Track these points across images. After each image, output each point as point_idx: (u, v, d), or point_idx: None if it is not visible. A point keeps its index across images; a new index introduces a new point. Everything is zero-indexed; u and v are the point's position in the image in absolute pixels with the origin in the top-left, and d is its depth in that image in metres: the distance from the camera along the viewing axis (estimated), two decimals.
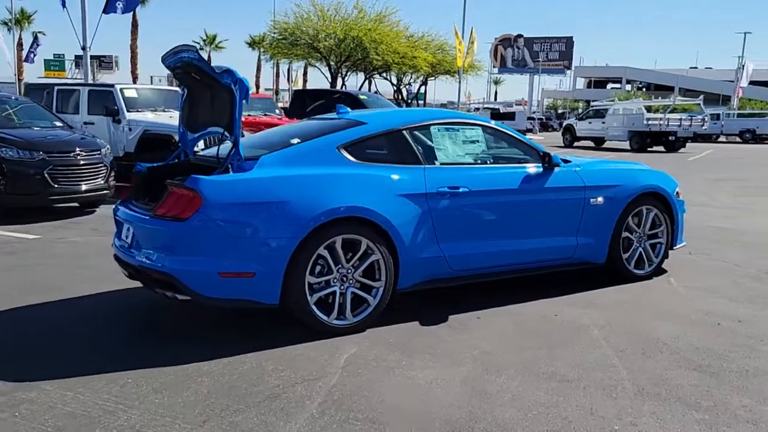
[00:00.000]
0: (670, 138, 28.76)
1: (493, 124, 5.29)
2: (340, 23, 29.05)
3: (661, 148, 28.82)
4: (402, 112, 5.25)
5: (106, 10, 15.21)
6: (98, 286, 5.35)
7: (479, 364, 3.83)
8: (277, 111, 14.68)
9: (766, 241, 7.63)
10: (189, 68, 4.45)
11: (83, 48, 15.44)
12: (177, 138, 10.80)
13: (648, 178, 5.72)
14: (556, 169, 5.17)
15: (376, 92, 30.53)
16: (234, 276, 4.02)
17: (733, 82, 68.08)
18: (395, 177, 4.50)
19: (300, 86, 47.31)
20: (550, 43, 77.72)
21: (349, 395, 3.41)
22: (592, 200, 5.31)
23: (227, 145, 4.42)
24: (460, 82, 29.13)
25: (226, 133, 4.38)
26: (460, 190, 4.68)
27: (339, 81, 31.42)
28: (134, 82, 35.41)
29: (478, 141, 5.15)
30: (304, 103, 15.97)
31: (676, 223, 5.88)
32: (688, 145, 30.20)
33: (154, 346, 4.11)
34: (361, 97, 15.78)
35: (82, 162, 8.89)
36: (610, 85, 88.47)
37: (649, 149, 28.66)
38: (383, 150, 4.66)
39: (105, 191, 9.22)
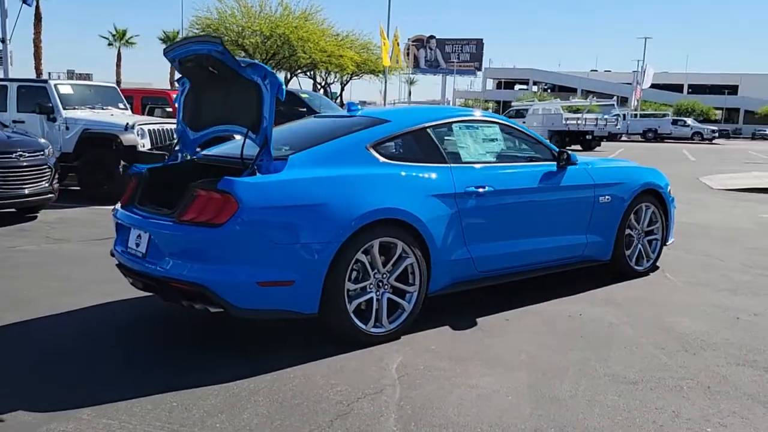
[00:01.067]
0: (587, 137, 29.95)
1: (509, 122, 5.21)
2: (266, 20, 28.39)
3: (578, 147, 29.91)
4: (422, 109, 5.08)
5: (27, 1, 14.12)
6: (78, 299, 4.89)
7: (534, 369, 3.72)
8: None
9: (732, 236, 7.95)
10: (207, 61, 4.09)
11: (2, 41, 14.27)
12: (121, 138, 10.28)
13: (647, 175, 5.81)
14: (569, 167, 5.15)
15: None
16: (273, 285, 3.73)
17: (630, 84, 71.88)
18: (425, 177, 4.34)
19: None
20: (461, 45, 79.22)
21: (421, 409, 3.21)
22: (601, 198, 5.33)
23: (250, 145, 4.10)
24: (386, 82, 29.12)
25: (250, 133, 4.05)
26: (486, 189, 4.56)
27: None
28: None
29: (496, 139, 5.05)
30: None
31: (670, 219, 6.01)
32: (602, 143, 31.55)
33: (180, 361, 3.76)
34: (303, 95, 15.44)
35: (24, 164, 8.18)
36: (517, 86, 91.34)
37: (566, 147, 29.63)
38: (410, 149, 4.48)
39: (50, 195, 8.53)
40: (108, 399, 3.24)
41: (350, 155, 4.18)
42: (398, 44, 28.39)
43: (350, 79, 36.38)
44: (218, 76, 4.19)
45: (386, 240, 4.05)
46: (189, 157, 4.82)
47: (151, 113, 13.09)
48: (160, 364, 3.75)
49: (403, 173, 4.25)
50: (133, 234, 4.14)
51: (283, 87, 3.90)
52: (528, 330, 4.39)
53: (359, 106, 5.05)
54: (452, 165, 4.54)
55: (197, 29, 29.42)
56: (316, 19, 29.87)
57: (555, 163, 5.12)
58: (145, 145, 10.40)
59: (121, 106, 11.60)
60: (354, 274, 3.98)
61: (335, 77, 37.45)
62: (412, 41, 77.00)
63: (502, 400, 3.32)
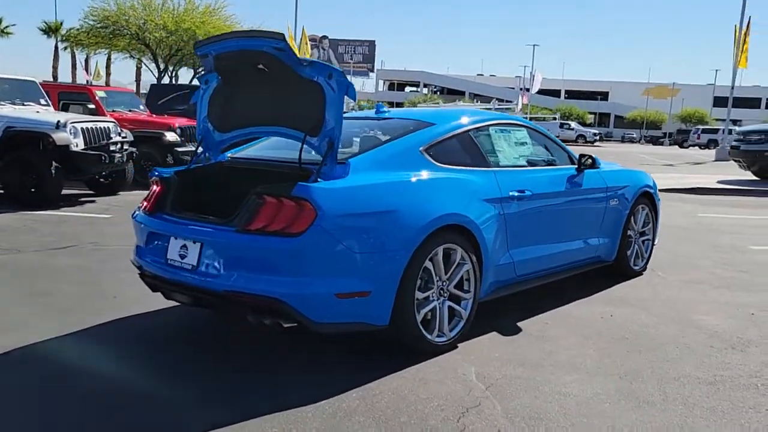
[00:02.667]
0: None
1: (535, 126, 5.23)
2: (169, 14, 27.08)
3: None
4: (459, 111, 4.97)
5: None
6: (83, 317, 4.42)
7: (610, 373, 3.73)
8: (142, 107, 13.30)
9: (685, 235, 8.41)
10: (260, 58, 3.79)
11: None
12: (53, 137, 9.39)
13: (644, 178, 6.03)
14: (585, 171, 5.24)
15: None
16: (350, 296, 3.51)
17: (513, 88, 75.06)
18: (476, 181, 4.26)
19: (103, 79, 43.45)
20: (354, 46, 79.70)
21: (533, 420, 3.13)
22: (611, 201, 5.48)
23: (306, 148, 3.85)
24: None
25: (308, 137, 3.80)
26: (526, 193, 4.55)
27: (167, 75, 29.30)
28: None
29: (526, 143, 5.05)
30: (160, 97, 14.76)
31: (658, 220, 6.28)
32: None
33: (250, 382, 3.47)
34: None
35: None
36: (408, 88, 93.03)
37: None
38: (456, 152, 4.37)
39: None
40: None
41: (407, 159, 4.02)
42: (307, 43, 27.99)
43: None
44: (267, 75, 3.90)
45: (448, 246, 3.93)
46: (213, 160, 4.45)
47: (65, 110, 12.13)
48: (231, 385, 3.44)
49: (458, 177, 4.15)
50: (174, 244, 3.78)
51: (353, 87, 3.69)
52: (573, 333, 4.41)
53: (386, 108, 4.89)
54: (495, 169, 4.50)
55: (92, 21, 27.63)
56: (222, 14, 28.90)
57: (574, 166, 5.20)
58: (78, 144, 9.61)
59: (42, 102, 10.65)
60: (419, 282, 3.84)
61: None
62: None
63: (602, 407, 3.30)
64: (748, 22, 26.26)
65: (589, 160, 5.16)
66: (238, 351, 3.98)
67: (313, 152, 3.87)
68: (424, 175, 3.98)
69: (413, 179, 3.88)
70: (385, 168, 3.88)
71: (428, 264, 3.82)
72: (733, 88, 28.28)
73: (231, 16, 29.61)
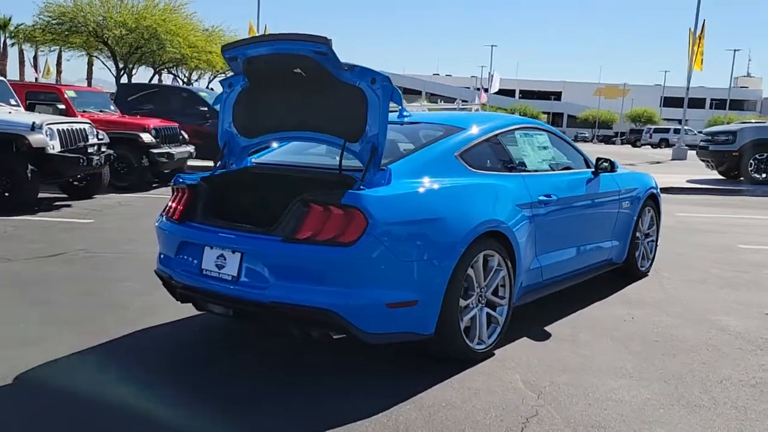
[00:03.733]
0: None
1: (554, 130, 5.23)
2: (129, 11, 26.34)
3: None
4: (485, 116, 4.94)
5: None
6: (93, 328, 4.23)
7: (654, 378, 3.73)
8: (112, 107, 12.89)
9: (678, 235, 8.54)
10: (299, 62, 3.65)
11: None
12: (29, 139, 9.00)
13: (650, 180, 6.10)
14: (601, 174, 5.27)
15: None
16: (400, 306, 3.43)
17: (469, 88, 75.77)
18: (509, 186, 4.22)
19: (53, 77, 42.17)
20: None
21: (597, 428, 3.09)
22: (623, 203, 5.52)
23: (347, 154, 3.75)
24: None
25: (349, 143, 3.70)
26: (552, 198, 4.54)
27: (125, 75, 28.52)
28: None
29: (546, 147, 5.04)
30: (129, 96, 14.39)
31: (660, 221, 6.37)
32: None
33: (298, 395, 3.35)
34: (202, 94, 14.57)
35: None
36: None
37: None
38: (488, 157, 4.34)
39: None
40: None
41: (443, 165, 3.96)
42: None
43: (216, 75, 34.83)
44: (302, 78, 3.78)
45: (487, 253, 3.89)
46: (236, 166, 4.30)
47: (32, 110, 11.66)
48: (275, 398, 3.32)
49: (494, 183, 4.11)
50: (210, 254, 3.63)
51: (398, 92, 3.61)
52: (603, 337, 4.41)
53: (409, 112, 4.82)
54: (523, 174, 4.48)
55: (47, 17, 26.66)
56: (182, 12, 28.28)
57: (590, 170, 5.23)
58: (54, 147, 9.24)
59: (12, 102, 10.20)
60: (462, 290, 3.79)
61: (200, 74, 35.78)
62: None
63: (657, 413, 3.30)
64: (703, 25, 27.04)
65: (606, 164, 5.19)
66: (272, 362, 3.85)
67: (345, 158, 3.75)
68: (464, 181, 3.93)
69: (455, 185, 3.83)
70: (424, 174, 3.80)
71: (470, 271, 3.77)
72: (688, 89, 29.05)
73: (192, 14, 29.08)
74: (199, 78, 37.13)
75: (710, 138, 15.50)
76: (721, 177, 16.37)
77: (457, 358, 3.79)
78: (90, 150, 9.74)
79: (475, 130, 4.35)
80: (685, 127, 33.41)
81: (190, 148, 12.76)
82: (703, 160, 16.52)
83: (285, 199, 3.57)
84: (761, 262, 6.97)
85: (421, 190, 3.65)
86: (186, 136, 12.92)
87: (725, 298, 5.48)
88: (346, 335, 3.38)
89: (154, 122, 12.10)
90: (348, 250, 3.27)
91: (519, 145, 4.68)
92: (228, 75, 4.21)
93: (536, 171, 4.68)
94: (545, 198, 4.47)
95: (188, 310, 4.20)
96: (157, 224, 4.09)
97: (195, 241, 3.73)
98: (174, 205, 4.00)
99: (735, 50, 65.86)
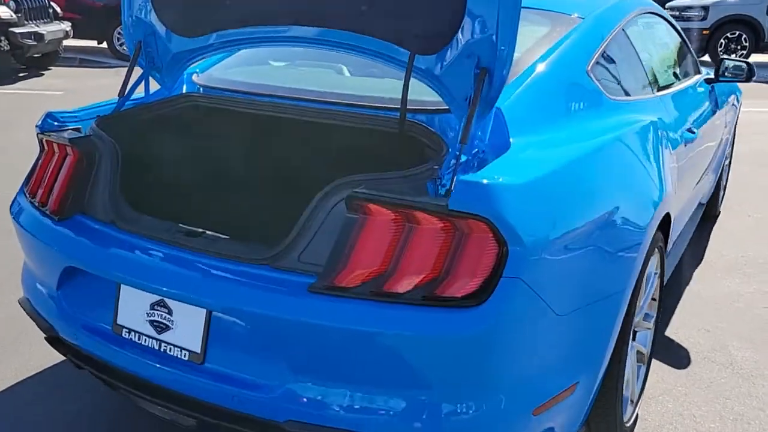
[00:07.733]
0: None
1: (665, 14, 3.38)
2: None
3: None
4: None
5: None
6: None
7: (722, 381, 2.27)
8: None
9: None
10: None
11: None
12: None
13: (733, 84, 4.46)
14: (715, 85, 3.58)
15: None
16: (552, 404, 1.68)
17: None
18: (658, 124, 2.43)
19: None
20: None
21: None
22: (727, 122, 3.89)
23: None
24: None
25: (420, 54, 1.74)
26: (694, 134, 2.82)
27: None
28: None
29: (668, 44, 3.21)
30: None
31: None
32: None
33: None
34: None
35: None
36: None
37: None
38: (620, 70, 2.47)
39: None
40: None
41: (577, 93, 2.10)
42: None
43: None
44: None
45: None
46: (168, 92, 2.25)
47: None
48: None
49: (647, 123, 2.29)
50: (134, 298, 1.70)
51: None
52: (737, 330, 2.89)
53: None
54: (659, 94, 2.70)
55: None
56: None
57: (702, 77, 3.52)
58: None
59: None
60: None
61: None
62: None
63: None
64: None
65: (739, 69, 3.42)
66: None
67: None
68: (611, 121, 2.11)
69: (612, 138, 2.00)
70: (556, 116, 1.95)
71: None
72: None
73: None
74: None
75: (677, 14, 13.79)
76: None
77: None
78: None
79: (597, 19, 2.44)
80: None
81: (65, 26, 9.97)
82: None
83: (286, 177, 1.67)
84: None
85: (573, 157, 1.80)
86: (58, 9, 10.09)
87: (746, 289, 3.88)
88: None
89: None
90: (470, 316, 1.44)
91: (644, 43, 2.83)
92: None
93: (669, 87, 2.90)
94: (689, 134, 2.75)
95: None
96: (13, 215, 2.05)
97: (97, 271, 1.76)
98: (48, 180, 1.97)
99: None
